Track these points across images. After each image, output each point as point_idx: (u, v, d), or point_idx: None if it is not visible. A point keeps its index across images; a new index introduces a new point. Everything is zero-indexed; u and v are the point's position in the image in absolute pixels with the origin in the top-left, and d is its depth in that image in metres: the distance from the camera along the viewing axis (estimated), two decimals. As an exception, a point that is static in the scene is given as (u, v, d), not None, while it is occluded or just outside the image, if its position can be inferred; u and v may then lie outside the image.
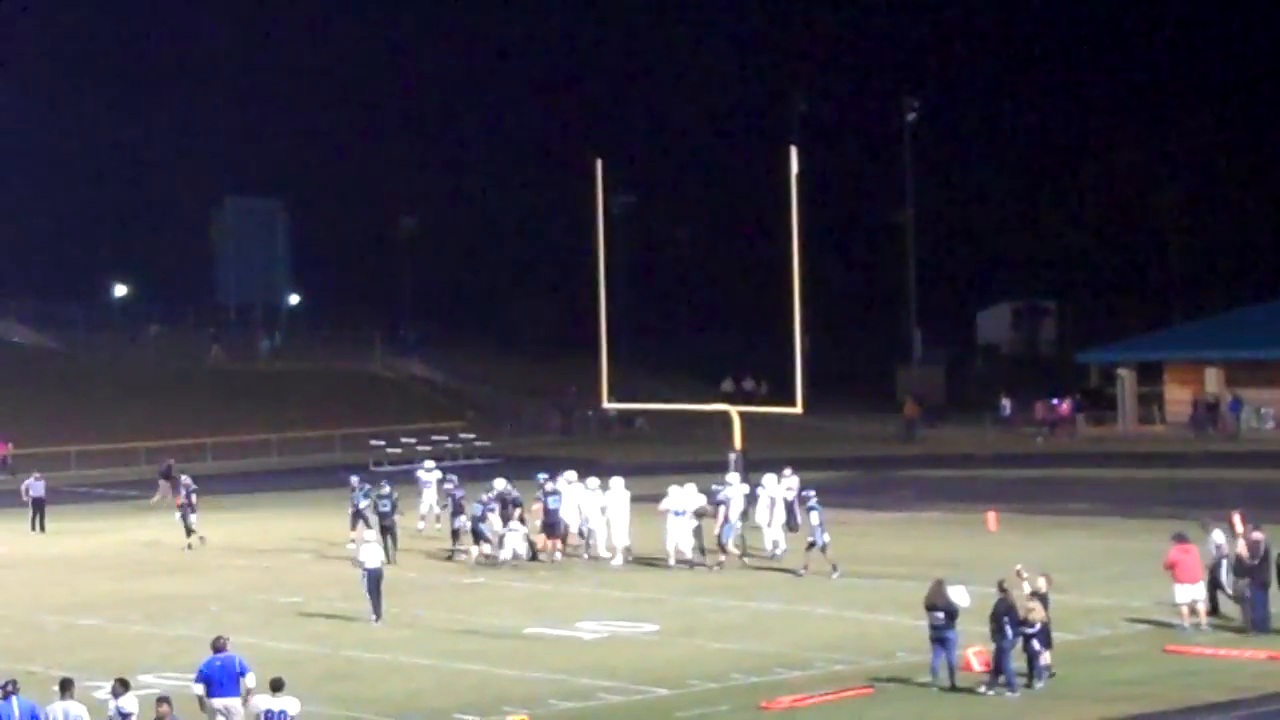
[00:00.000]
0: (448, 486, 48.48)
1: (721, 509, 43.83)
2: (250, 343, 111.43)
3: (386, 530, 45.14)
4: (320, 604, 39.71)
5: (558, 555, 45.19)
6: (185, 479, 51.91)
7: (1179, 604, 33.80)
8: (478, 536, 45.04)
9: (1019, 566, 31.04)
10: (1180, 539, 34.24)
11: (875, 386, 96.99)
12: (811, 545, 42.07)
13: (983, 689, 28.95)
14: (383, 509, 46.53)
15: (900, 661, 31.42)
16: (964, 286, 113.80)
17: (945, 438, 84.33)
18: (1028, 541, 46.63)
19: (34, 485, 56.85)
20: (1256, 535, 33.60)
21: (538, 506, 45.56)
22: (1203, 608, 33.73)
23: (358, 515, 47.58)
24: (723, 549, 43.77)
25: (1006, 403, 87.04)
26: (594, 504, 45.46)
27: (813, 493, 43.30)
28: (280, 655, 32.40)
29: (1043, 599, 30.07)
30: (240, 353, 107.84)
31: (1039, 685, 29.30)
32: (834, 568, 41.74)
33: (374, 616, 37.38)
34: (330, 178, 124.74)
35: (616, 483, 45.51)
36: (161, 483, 65.41)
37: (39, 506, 56.23)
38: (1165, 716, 27.92)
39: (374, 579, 37.62)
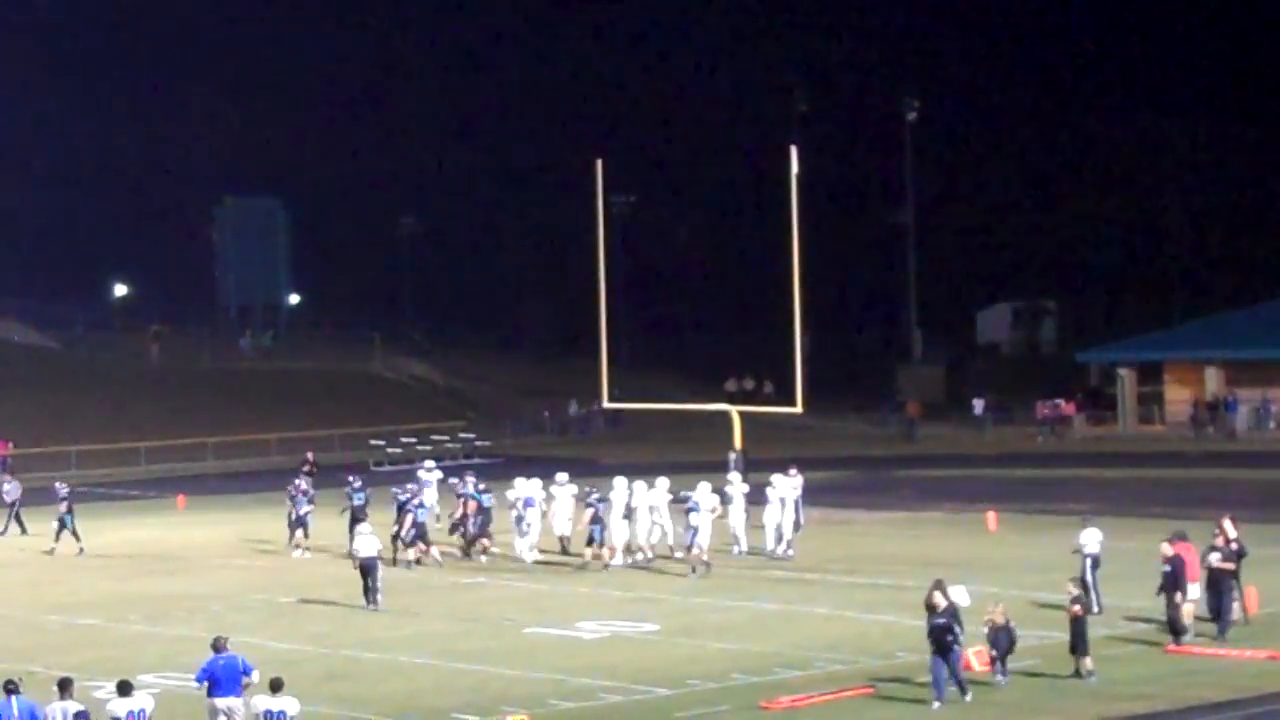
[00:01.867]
0: (394, 490, 48.01)
1: (589, 510, 43.97)
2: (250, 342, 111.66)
3: (355, 523, 45.36)
4: (320, 604, 39.72)
5: (484, 557, 45.32)
6: (59, 486, 51.03)
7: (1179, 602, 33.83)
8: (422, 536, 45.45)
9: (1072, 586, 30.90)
10: (1180, 538, 34.27)
11: (875, 386, 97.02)
12: (689, 547, 42.35)
13: (935, 705, 28.32)
14: (357, 503, 46.89)
15: (900, 661, 31.40)
16: (964, 286, 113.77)
17: (945, 437, 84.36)
18: (1028, 541, 46.65)
19: (9, 490, 55.68)
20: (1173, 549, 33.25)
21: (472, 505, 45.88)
22: (1191, 607, 33.73)
23: (300, 521, 47.59)
24: (600, 547, 43.93)
25: (978, 402, 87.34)
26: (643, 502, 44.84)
27: (689, 495, 43.28)
28: (280, 655, 32.39)
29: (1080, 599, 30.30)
30: (236, 353, 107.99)
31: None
32: (706, 566, 42.01)
33: (369, 604, 38.27)
34: (330, 178, 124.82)
35: (618, 483, 45.43)
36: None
37: (12, 510, 54.64)
38: (1165, 716, 27.91)
39: (368, 568, 38.45)
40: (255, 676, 25.39)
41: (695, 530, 42.27)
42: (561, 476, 46.85)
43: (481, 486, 46.16)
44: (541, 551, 45.49)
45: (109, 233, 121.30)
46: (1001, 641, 29.59)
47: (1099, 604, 34.97)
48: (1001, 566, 41.19)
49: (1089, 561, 35.93)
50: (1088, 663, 29.97)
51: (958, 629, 28.56)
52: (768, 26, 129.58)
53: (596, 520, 43.78)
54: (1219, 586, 33.12)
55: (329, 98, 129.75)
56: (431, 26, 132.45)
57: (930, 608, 28.81)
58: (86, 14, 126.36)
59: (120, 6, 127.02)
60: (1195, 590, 33.68)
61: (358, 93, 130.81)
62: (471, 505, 45.68)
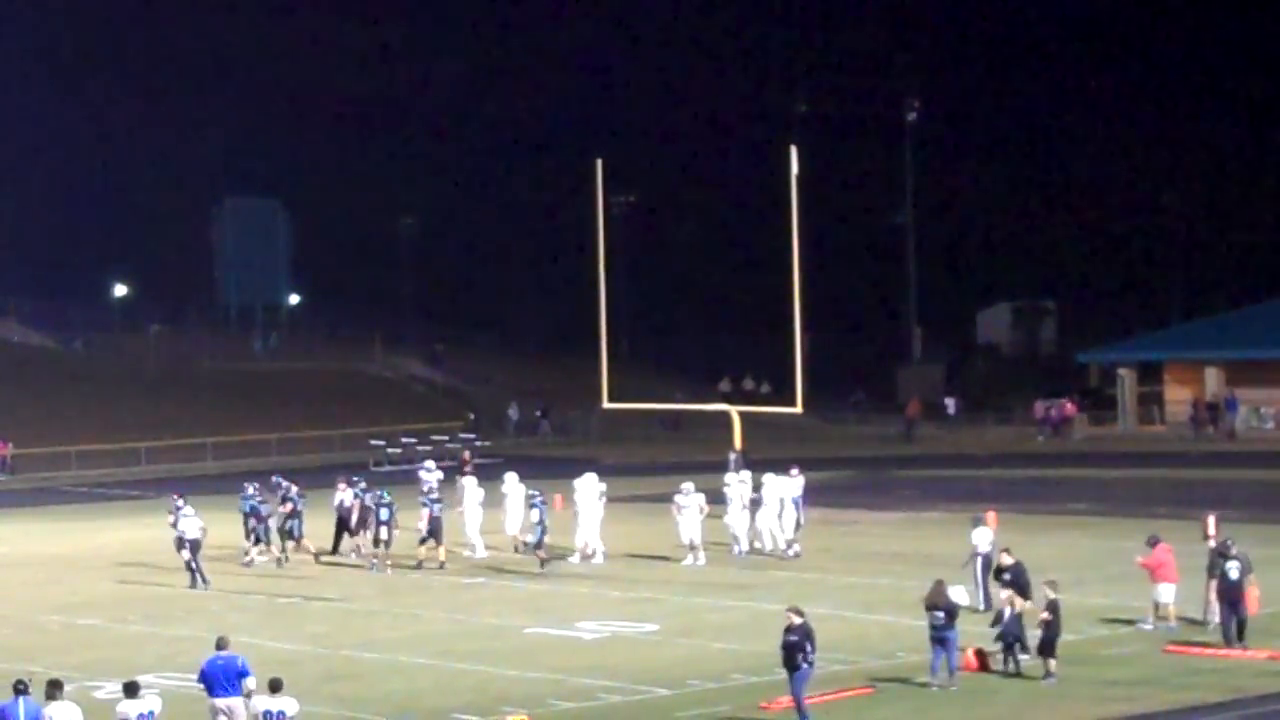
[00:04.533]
0: (296, 490, 47.37)
1: (425, 510, 44.47)
2: (246, 342, 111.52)
3: (293, 518, 46.38)
4: (320, 604, 39.74)
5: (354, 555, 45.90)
6: None
7: (1163, 603, 33.87)
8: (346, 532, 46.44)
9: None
10: (1154, 541, 34.42)
11: (875, 386, 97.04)
12: (538, 543, 43.00)
13: None
14: (289, 497, 47.15)
15: (900, 661, 31.41)
16: (964, 286, 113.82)
17: (945, 438, 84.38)
18: (1028, 541, 46.56)
19: None
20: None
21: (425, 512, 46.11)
22: (1173, 608, 33.79)
23: (289, 522, 47.12)
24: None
25: (950, 401, 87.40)
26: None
27: (537, 492, 44.00)
28: (280, 655, 32.40)
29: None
30: (237, 353, 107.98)
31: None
32: (542, 564, 42.67)
33: (196, 586, 41.39)
34: (330, 178, 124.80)
35: (595, 481, 45.47)
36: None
37: None
38: (1165, 716, 27.92)
39: (195, 549, 41.83)
40: (251, 683, 25.09)
41: (543, 525, 42.95)
42: (510, 476, 47.02)
43: (363, 485, 47.21)
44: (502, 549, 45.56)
45: (109, 233, 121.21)
46: (1013, 629, 29.92)
47: (988, 603, 34.88)
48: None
49: (980, 561, 36.04)
50: (1051, 664, 30.05)
51: (809, 647, 27.25)
52: (768, 26, 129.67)
53: (434, 520, 44.28)
54: (1235, 596, 32.14)
55: (329, 98, 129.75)
56: (431, 26, 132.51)
57: (786, 627, 27.44)
58: (87, 14, 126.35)
59: (121, 7, 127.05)
60: (1172, 591, 33.67)
61: (357, 93, 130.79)
62: (356, 503, 46.33)
